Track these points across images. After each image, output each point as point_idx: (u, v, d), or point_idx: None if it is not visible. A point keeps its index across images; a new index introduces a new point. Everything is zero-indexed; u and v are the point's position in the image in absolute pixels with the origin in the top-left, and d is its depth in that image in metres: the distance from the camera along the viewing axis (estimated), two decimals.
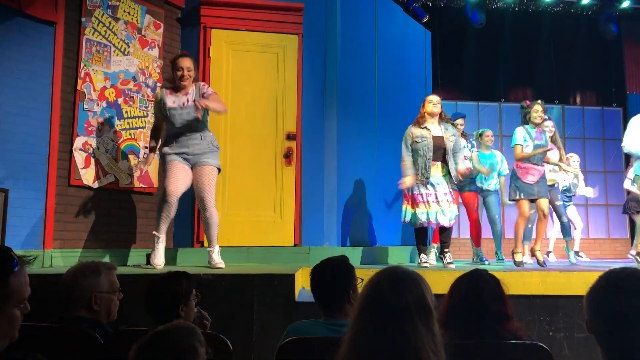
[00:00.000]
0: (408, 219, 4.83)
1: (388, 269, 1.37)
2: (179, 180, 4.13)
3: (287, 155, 5.23)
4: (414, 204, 4.79)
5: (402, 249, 5.98)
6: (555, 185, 6.08)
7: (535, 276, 4.07)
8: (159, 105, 4.26)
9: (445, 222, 4.72)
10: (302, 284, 3.86)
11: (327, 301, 2.13)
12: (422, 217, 4.72)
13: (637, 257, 5.09)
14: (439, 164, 4.84)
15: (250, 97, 5.25)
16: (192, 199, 4.80)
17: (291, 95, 5.31)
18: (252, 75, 5.28)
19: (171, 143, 4.22)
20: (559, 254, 7.40)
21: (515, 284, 4.03)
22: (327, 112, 5.45)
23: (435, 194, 4.75)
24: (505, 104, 9.67)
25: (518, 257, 5.09)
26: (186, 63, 4.21)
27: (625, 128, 5.32)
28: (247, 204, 5.14)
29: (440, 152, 4.85)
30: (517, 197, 5.07)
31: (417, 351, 1.22)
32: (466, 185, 5.89)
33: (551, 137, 5.96)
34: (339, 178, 5.50)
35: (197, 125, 4.21)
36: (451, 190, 4.88)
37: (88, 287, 2.29)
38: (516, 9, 9.51)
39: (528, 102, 5.32)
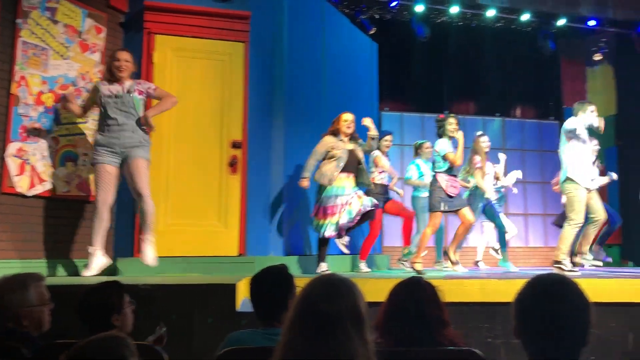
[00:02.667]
0: (327, 231, 4.85)
1: (321, 276, 1.37)
2: (108, 189, 4.26)
3: (232, 164, 5.18)
4: (326, 215, 4.84)
5: (346, 258, 6.00)
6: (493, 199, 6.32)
7: (475, 284, 4.16)
8: (94, 92, 4.40)
9: (368, 204, 4.84)
10: (245, 294, 3.81)
11: (266, 310, 2.12)
12: (334, 228, 4.81)
13: (559, 266, 5.16)
14: (351, 176, 4.99)
15: (195, 104, 5.18)
16: (132, 208, 4.69)
17: (237, 103, 5.27)
18: (196, 83, 5.21)
19: (103, 131, 4.32)
20: (488, 262, 7.58)
21: (455, 292, 4.11)
22: (274, 120, 5.45)
23: (347, 200, 4.86)
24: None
25: (418, 266, 5.17)
26: (124, 55, 4.43)
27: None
28: (190, 213, 5.05)
29: (353, 165, 5.01)
30: (442, 209, 5.17)
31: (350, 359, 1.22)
32: (382, 200, 5.97)
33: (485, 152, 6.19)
34: (285, 187, 5.50)
35: (129, 116, 4.32)
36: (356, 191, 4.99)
37: (15, 301, 2.20)
38: (460, 23, 9.77)
39: (442, 115, 5.48)
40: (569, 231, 5.01)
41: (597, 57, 10.18)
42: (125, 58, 4.39)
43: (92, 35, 4.95)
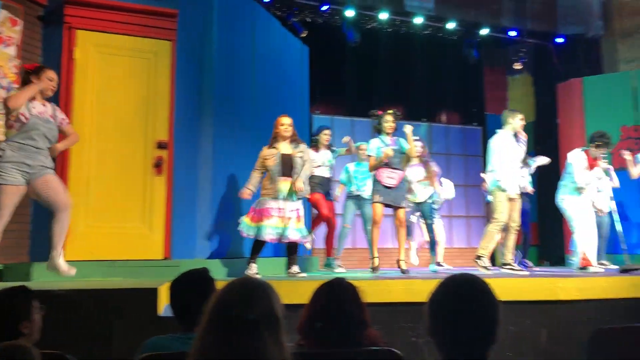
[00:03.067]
0: (252, 232, 4.81)
1: (236, 280, 1.35)
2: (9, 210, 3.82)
3: (158, 165, 5.05)
4: (262, 217, 4.80)
5: (276, 260, 5.98)
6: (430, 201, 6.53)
7: (399, 284, 4.25)
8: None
9: (294, 236, 4.82)
10: (168, 298, 3.72)
11: (185, 315, 2.07)
12: (271, 231, 4.76)
13: (478, 260, 5.46)
14: (285, 179, 4.93)
15: (118, 103, 5.01)
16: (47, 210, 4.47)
17: (163, 103, 5.14)
18: (120, 81, 5.05)
19: (16, 150, 3.83)
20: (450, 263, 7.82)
21: (380, 292, 4.19)
22: (202, 120, 5.35)
23: (284, 209, 4.82)
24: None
25: (375, 263, 5.30)
26: (55, 76, 4.09)
27: (484, 145, 5.76)
28: (112, 216, 4.88)
29: (290, 168, 4.96)
30: (376, 200, 5.28)
31: None
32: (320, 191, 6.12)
33: (419, 157, 6.35)
34: (214, 188, 5.41)
35: (47, 142, 3.99)
36: (297, 208, 4.95)
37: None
38: (389, 29, 9.98)
39: (380, 111, 5.58)
40: (493, 229, 5.40)
41: (517, 66, 10.69)
42: (56, 79, 4.09)
43: (7, 27, 4.69)
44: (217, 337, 1.23)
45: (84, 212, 4.75)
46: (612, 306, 4.59)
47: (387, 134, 5.43)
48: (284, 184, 4.89)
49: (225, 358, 1.20)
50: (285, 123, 5.04)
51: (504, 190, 5.34)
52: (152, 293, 3.26)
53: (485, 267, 5.32)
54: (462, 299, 1.43)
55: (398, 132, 5.64)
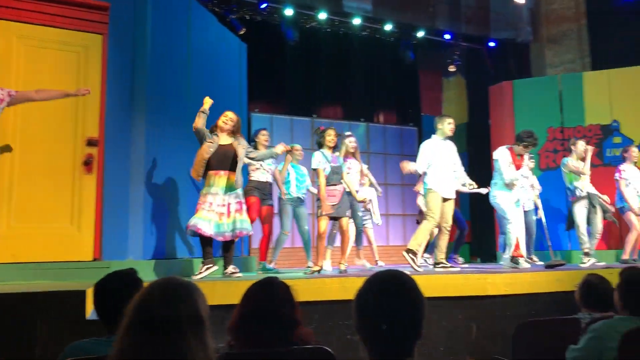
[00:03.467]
0: (200, 226, 4.69)
1: (160, 280, 1.31)
2: None
3: (88, 163, 4.86)
4: (198, 209, 4.74)
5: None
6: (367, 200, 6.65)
7: (334, 282, 4.28)
8: None
9: (237, 229, 4.77)
10: None
11: (110, 317, 2.00)
12: (204, 225, 4.67)
13: (410, 254, 5.61)
14: (222, 173, 4.86)
15: None
16: None
17: (93, 99, 4.94)
18: (47, 75, 4.82)
19: None
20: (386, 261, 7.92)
21: (316, 291, 4.21)
22: (135, 117, 5.20)
23: (220, 204, 4.78)
24: (317, 119, 10.12)
25: (317, 267, 5.31)
26: None
27: (420, 146, 5.91)
28: (38, 216, 4.65)
29: (227, 161, 4.89)
30: (321, 214, 5.29)
31: None
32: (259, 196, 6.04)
33: (352, 154, 6.41)
34: (147, 187, 5.27)
35: None
36: (238, 200, 4.90)
37: None
38: (328, 29, 10.04)
39: (322, 127, 5.62)
40: (427, 225, 5.59)
41: (452, 68, 10.99)
42: None
43: None
44: (137, 338, 1.19)
45: (7, 213, 4.52)
46: (538, 300, 4.80)
47: (329, 148, 5.46)
48: (216, 178, 4.82)
49: (145, 359, 1.17)
50: (228, 115, 5.03)
51: (436, 192, 5.50)
52: (79, 296, 3.14)
53: (414, 262, 5.45)
54: (387, 294, 1.45)
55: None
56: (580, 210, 6.56)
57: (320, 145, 5.47)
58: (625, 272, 2.58)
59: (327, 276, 4.83)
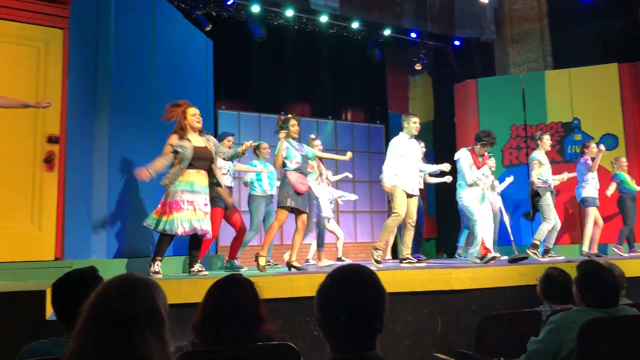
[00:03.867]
0: (162, 226, 4.63)
1: (119, 276, 1.29)
2: None
3: (49, 160, 4.75)
4: (172, 210, 4.65)
5: (176, 259, 5.83)
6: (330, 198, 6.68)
7: (302, 279, 4.28)
8: None
9: (200, 227, 4.70)
10: None
11: (69, 317, 1.96)
12: (185, 225, 4.63)
13: (376, 251, 5.67)
14: (203, 172, 4.83)
15: (3, 94, 4.64)
16: None
17: (54, 95, 4.83)
18: (6, 70, 4.68)
19: None
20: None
21: (283, 288, 4.21)
22: (97, 114, 5.09)
23: (195, 202, 4.71)
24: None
25: (262, 261, 5.27)
26: None
27: (387, 143, 5.96)
28: None
29: (204, 161, 4.85)
30: (287, 204, 5.25)
31: None
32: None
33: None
34: (110, 185, 5.16)
35: None
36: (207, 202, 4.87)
37: None
38: (296, 27, 10.03)
39: (282, 117, 5.59)
40: (392, 222, 5.65)
41: (418, 67, 11.11)
42: None
43: None
44: (93, 336, 1.17)
45: None
46: (502, 294, 4.90)
47: (294, 138, 5.43)
48: (196, 177, 4.77)
49: (102, 358, 1.15)
50: (197, 113, 4.92)
51: (401, 189, 5.57)
52: (39, 296, 3.06)
53: (377, 261, 5.50)
54: (349, 288, 1.46)
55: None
56: (548, 200, 6.67)
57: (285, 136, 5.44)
58: (583, 265, 2.65)
59: (294, 273, 4.83)
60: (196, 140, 4.87)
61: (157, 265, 4.66)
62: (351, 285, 1.46)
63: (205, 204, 4.80)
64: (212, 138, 5.06)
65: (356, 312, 1.43)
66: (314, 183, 6.58)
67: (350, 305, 1.44)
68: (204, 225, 4.74)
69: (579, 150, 8.52)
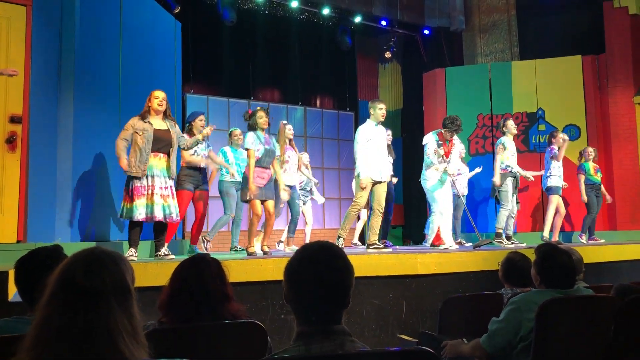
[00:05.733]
0: (124, 214, 4.61)
1: (85, 250, 1.28)
2: None
3: (11, 141, 4.64)
4: (133, 197, 4.60)
5: (143, 243, 5.77)
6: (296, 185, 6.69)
7: (269, 263, 4.30)
8: None
9: (160, 216, 4.66)
10: None
11: (34, 296, 1.93)
12: (142, 211, 4.58)
13: (340, 239, 5.79)
14: (161, 155, 4.76)
15: None
16: None
17: None
18: None
19: None
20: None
21: (251, 271, 4.22)
22: (61, 94, 4.98)
23: (153, 187, 4.67)
24: (255, 102, 10.04)
25: (251, 250, 5.28)
26: None
27: (356, 130, 5.98)
28: None
29: (164, 144, 4.78)
30: (248, 198, 5.26)
31: (110, 333, 1.17)
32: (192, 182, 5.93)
33: (290, 141, 6.45)
34: (75, 167, 5.07)
35: None
36: (170, 185, 4.82)
37: None
38: (266, 12, 9.94)
39: (250, 110, 5.56)
40: (352, 211, 5.79)
41: (387, 55, 11.15)
42: None
43: None
44: (58, 307, 1.17)
45: None
46: (465, 278, 5.01)
47: (262, 129, 5.41)
48: (155, 160, 4.71)
49: (67, 329, 1.15)
50: (160, 96, 4.84)
51: (365, 177, 5.62)
52: (1, 277, 3.01)
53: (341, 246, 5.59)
54: (317, 263, 1.49)
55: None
56: (507, 186, 6.81)
57: (252, 128, 5.40)
58: (541, 248, 2.73)
59: (262, 257, 4.84)
60: (157, 123, 4.81)
61: (132, 251, 4.61)
62: (319, 260, 1.49)
63: (165, 187, 4.73)
64: (177, 128, 4.99)
65: (323, 286, 1.46)
66: (293, 170, 6.60)
67: (318, 279, 1.47)
68: (167, 210, 4.69)
69: (543, 140, 8.73)
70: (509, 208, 6.78)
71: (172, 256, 4.78)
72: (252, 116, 5.39)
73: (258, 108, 5.49)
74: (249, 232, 5.36)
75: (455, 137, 6.37)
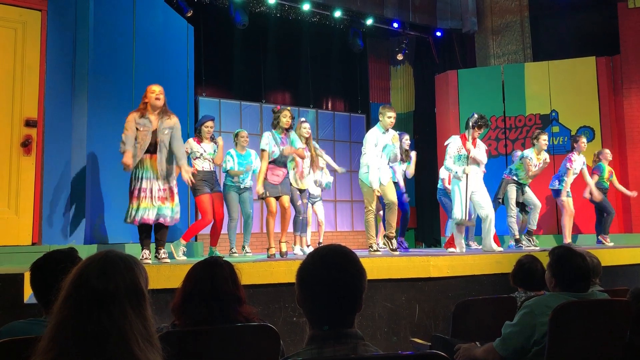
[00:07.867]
0: (128, 218, 4.61)
1: (99, 253, 1.30)
2: None
3: (26, 144, 4.69)
4: (134, 199, 4.60)
5: (151, 246, 5.80)
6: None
7: (281, 265, 4.31)
8: None
9: (163, 218, 4.65)
10: None
11: (48, 298, 1.95)
12: (142, 213, 4.57)
13: (371, 248, 5.76)
14: (158, 155, 4.68)
15: None
16: None
17: (32, 78, 4.77)
18: None
19: None
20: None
21: (263, 274, 4.22)
22: (76, 97, 5.03)
23: (151, 189, 4.65)
24: (267, 104, 10.08)
25: (272, 251, 5.29)
26: None
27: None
28: None
29: (154, 145, 4.69)
30: (265, 195, 5.29)
31: (124, 336, 1.18)
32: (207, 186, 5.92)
33: (307, 140, 6.43)
34: (89, 170, 5.12)
35: None
36: (171, 186, 4.77)
37: None
38: (278, 15, 9.97)
39: (279, 107, 5.59)
40: (368, 218, 5.78)
41: (399, 57, 11.13)
42: None
43: None
44: (73, 310, 1.18)
45: None
46: (478, 282, 4.98)
47: (282, 129, 5.42)
48: (149, 162, 4.67)
49: (81, 332, 1.16)
50: (157, 90, 4.73)
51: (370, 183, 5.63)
52: (17, 279, 3.04)
53: (376, 251, 5.61)
54: (329, 267, 1.49)
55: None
56: (512, 190, 6.89)
57: (273, 126, 5.43)
58: (555, 250, 2.71)
59: (274, 259, 4.85)
60: (155, 122, 4.72)
61: (146, 253, 4.63)
62: (331, 263, 1.49)
63: (164, 189, 4.69)
64: (178, 123, 4.87)
65: (336, 289, 1.46)
66: (307, 171, 6.57)
67: (330, 283, 1.47)
68: (163, 211, 4.65)
69: (557, 142, 8.68)
70: (513, 215, 6.87)
71: (168, 260, 4.73)
72: (277, 113, 5.43)
73: (287, 108, 5.51)
74: (267, 233, 5.37)
75: (477, 139, 6.33)
